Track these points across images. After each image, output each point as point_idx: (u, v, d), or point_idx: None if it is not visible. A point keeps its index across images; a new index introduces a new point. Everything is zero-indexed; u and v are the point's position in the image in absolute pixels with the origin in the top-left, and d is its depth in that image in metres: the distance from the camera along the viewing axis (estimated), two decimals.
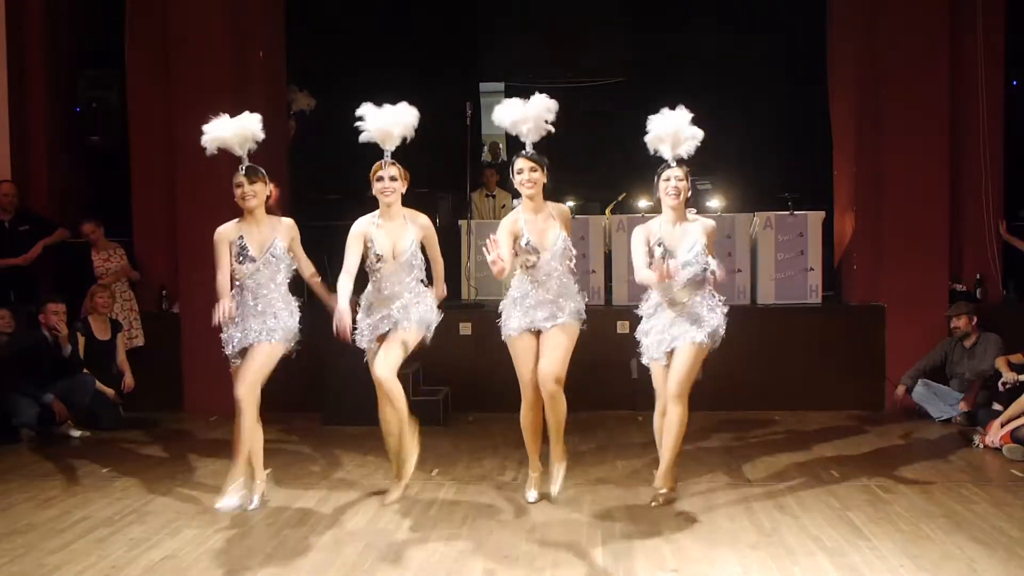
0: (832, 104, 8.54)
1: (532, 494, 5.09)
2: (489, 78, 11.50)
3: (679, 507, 4.98)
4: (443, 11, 10.65)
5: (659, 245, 4.85)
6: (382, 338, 4.95)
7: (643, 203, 9.64)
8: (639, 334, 5.05)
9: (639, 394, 7.22)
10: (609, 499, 5.15)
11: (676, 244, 4.83)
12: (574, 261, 4.96)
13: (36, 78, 8.39)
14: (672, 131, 4.78)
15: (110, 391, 7.31)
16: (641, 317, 5.05)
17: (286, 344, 4.95)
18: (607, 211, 8.85)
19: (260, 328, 4.87)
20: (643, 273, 4.80)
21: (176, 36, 7.88)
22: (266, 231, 4.92)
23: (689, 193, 4.85)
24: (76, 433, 6.94)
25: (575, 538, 4.51)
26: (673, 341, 4.85)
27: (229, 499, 4.96)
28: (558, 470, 5.14)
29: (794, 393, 7.62)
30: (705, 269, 4.78)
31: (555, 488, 5.10)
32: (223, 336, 4.94)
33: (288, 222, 5.03)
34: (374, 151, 5.00)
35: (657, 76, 10.47)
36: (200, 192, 7.62)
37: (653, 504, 4.94)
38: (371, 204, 5.07)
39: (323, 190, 9.28)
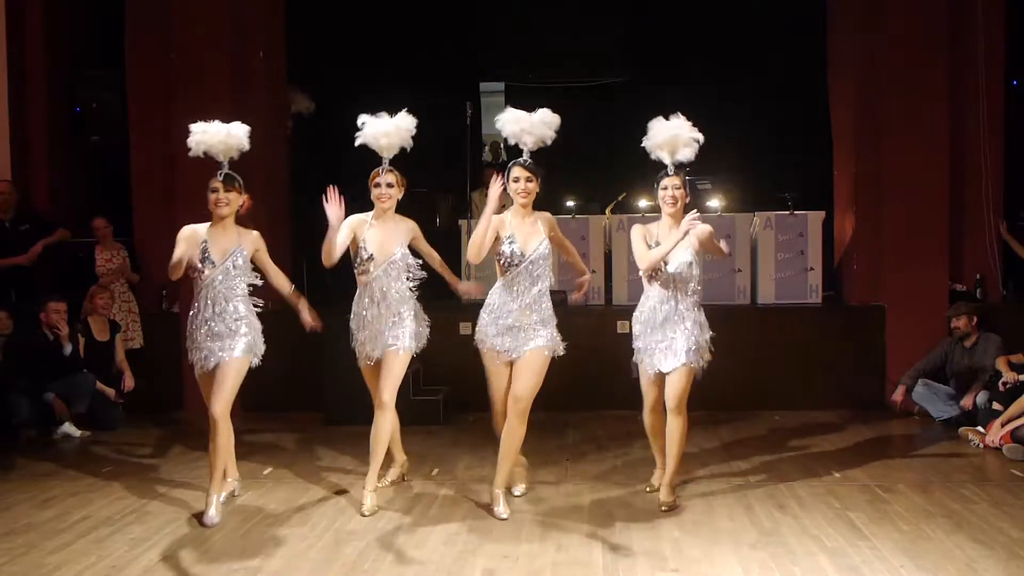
0: (832, 104, 8.55)
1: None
2: (489, 78, 11.50)
3: (679, 507, 4.99)
4: (443, 11, 10.64)
5: (656, 245, 4.87)
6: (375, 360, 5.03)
7: (643, 203, 9.63)
8: (633, 339, 5.09)
9: (639, 394, 7.24)
10: (609, 499, 5.16)
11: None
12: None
13: (36, 78, 8.40)
14: (670, 137, 4.78)
15: (110, 391, 7.31)
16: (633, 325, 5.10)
17: (252, 356, 4.90)
18: (607, 211, 8.85)
19: (223, 346, 4.83)
20: (644, 257, 4.84)
21: (176, 36, 7.87)
22: (231, 239, 4.91)
23: (687, 200, 4.89)
24: (76, 433, 6.95)
25: (575, 538, 4.51)
26: (662, 363, 4.88)
27: (215, 513, 4.82)
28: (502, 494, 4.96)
29: (794, 393, 7.62)
30: (691, 265, 4.83)
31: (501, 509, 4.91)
32: (193, 353, 4.91)
33: (254, 234, 5.02)
34: (374, 152, 5.03)
35: (657, 76, 10.49)
36: (200, 192, 7.50)
37: (664, 509, 4.92)
38: (371, 204, 5.09)
39: (322, 190, 9.25)
